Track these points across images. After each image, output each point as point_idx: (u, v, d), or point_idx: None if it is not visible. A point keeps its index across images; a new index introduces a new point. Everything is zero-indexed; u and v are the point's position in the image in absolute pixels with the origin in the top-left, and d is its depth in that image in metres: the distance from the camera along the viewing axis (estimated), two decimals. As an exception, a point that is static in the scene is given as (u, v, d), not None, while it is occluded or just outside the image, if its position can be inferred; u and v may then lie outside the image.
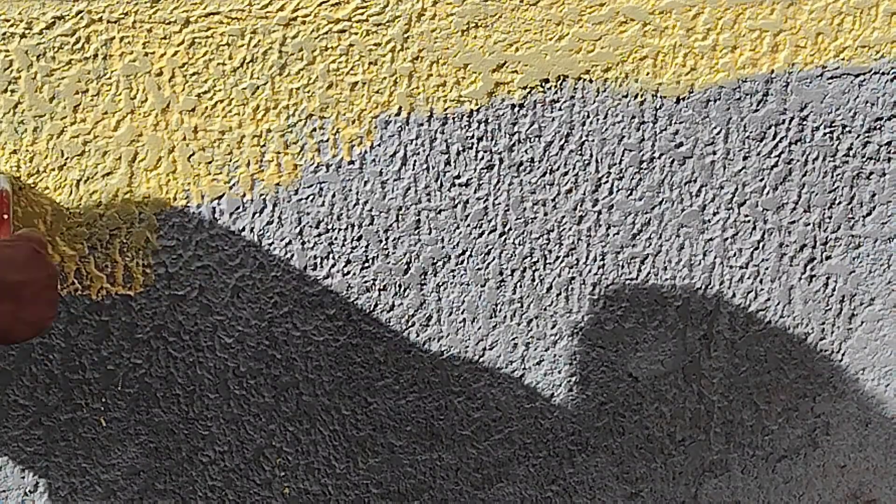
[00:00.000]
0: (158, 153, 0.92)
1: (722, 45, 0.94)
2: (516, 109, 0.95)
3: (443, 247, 0.99)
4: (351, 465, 1.08)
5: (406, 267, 1.00)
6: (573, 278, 1.03)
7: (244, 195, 0.95)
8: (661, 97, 0.96)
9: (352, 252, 0.98)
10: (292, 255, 0.98)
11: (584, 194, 0.99)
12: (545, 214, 0.99)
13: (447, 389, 1.06)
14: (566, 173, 0.98)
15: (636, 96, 0.96)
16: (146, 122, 0.91)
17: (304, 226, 0.97)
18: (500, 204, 0.98)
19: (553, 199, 0.99)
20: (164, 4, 0.87)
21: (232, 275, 0.97)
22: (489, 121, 0.95)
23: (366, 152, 0.95)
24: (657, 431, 1.12)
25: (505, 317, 1.03)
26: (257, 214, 0.95)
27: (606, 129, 0.97)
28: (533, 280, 1.02)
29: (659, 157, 0.98)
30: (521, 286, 1.02)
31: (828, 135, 0.99)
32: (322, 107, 0.92)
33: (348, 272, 0.99)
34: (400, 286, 1.00)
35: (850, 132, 1.00)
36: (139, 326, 0.98)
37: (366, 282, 1.00)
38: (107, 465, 1.04)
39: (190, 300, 0.98)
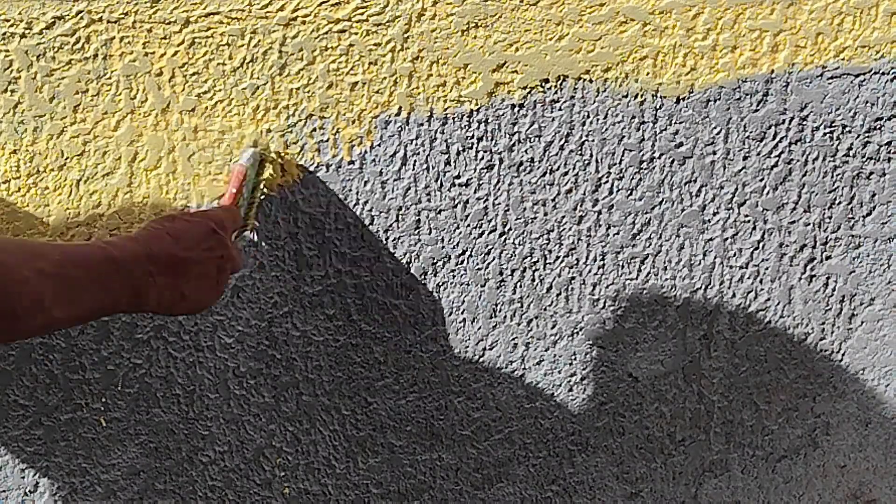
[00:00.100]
0: (158, 153, 0.92)
1: (722, 45, 0.94)
2: (516, 109, 0.95)
3: (443, 247, 0.99)
4: (351, 465, 1.08)
5: (406, 267, 1.00)
6: (573, 278, 1.03)
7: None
8: (661, 97, 0.96)
9: (352, 252, 0.98)
10: (292, 255, 0.98)
11: (584, 194, 0.99)
12: (545, 214, 0.99)
13: (447, 389, 1.06)
14: (566, 173, 0.98)
15: (636, 96, 0.96)
16: (146, 122, 0.91)
17: (304, 226, 0.97)
18: (500, 204, 0.98)
19: (553, 199, 0.99)
20: (164, 4, 0.87)
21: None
22: (489, 121, 0.95)
23: (366, 152, 0.95)
24: (657, 431, 1.12)
25: (505, 317, 1.03)
26: (257, 214, 0.95)
27: (606, 129, 0.97)
28: (533, 280, 1.02)
29: (659, 157, 0.98)
30: (521, 286, 1.02)
31: (828, 135, 0.99)
32: (322, 107, 0.92)
33: (348, 272, 0.99)
34: (400, 286, 1.00)
35: (850, 132, 1.00)
36: (139, 326, 0.98)
37: (366, 282, 1.00)
38: (107, 465, 1.04)
39: (190, 300, 0.98)
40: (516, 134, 0.96)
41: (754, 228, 1.03)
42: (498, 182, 0.97)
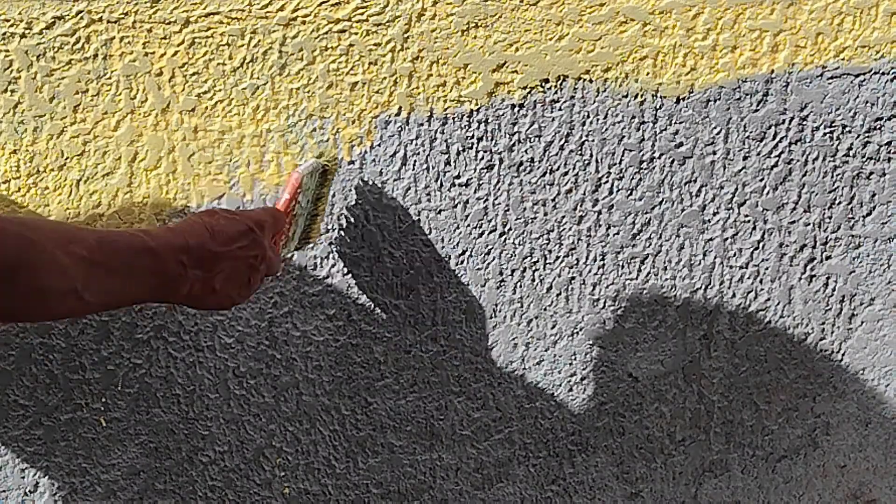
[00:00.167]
0: (158, 153, 0.92)
1: (722, 45, 0.94)
2: (516, 109, 0.95)
3: (443, 247, 0.99)
4: (351, 465, 1.08)
5: (406, 267, 1.00)
6: (573, 278, 1.02)
7: (244, 195, 0.95)
8: (661, 97, 0.96)
9: (352, 252, 0.98)
10: (292, 255, 0.98)
11: (584, 194, 0.99)
12: (545, 214, 0.99)
13: (447, 389, 1.06)
14: (566, 173, 0.98)
15: (636, 96, 0.96)
16: (146, 122, 0.91)
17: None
18: (500, 204, 0.98)
19: (553, 199, 0.99)
20: (164, 4, 0.87)
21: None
22: (489, 121, 0.95)
23: (366, 152, 0.95)
24: (657, 431, 1.12)
25: (505, 317, 1.03)
26: (257, 214, 0.95)
27: (606, 129, 0.97)
28: (533, 280, 1.02)
29: (659, 157, 0.98)
30: (521, 286, 1.02)
31: (828, 135, 0.99)
32: (322, 107, 0.92)
33: (348, 272, 0.99)
34: (400, 286, 1.00)
35: (850, 132, 1.00)
36: (139, 326, 0.98)
37: (366, 282, 1.00)
38: (107, 465, 1.04)
39: (190, 300, 0.98)
40: (516, 134, 0.96)
41: (754, 228, 1.03)
42: (498, 182, 0.97)
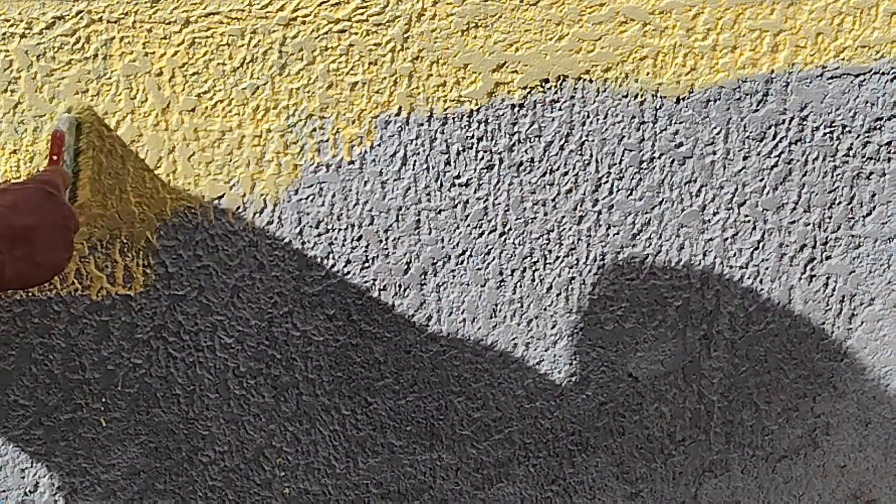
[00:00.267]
0: (158, 153, 0.92)
1: (722, 45, 0.94)
2: (516, 109, 0.95)
3: (443, 247, 0.99)
4: (351, 465, 1.08)
5: (406, 267, 1.00)
6: (573, 278, 1.02)
7: (244, 195, 0.95)
8: (661, 97, 0.96)
9: (352, 252, 0.98)
10: (292, 255, 0.98)
11: (584, 194, 0.99)
12: (545, 214, 0.99)
13: (447, 389, 1.06)
14: (566, 173, 0.98)
15: (636, 96, 0.96)
16: (146, 122, 0.91)
17: (304, 226, 0.97)
18: (500, 204, 0.98)
19: (553, 199, 0.99)
20: (164, 4, 0.87)
21: (232, 275, 0.97)
22: (489, 121, 0.95)
23: (366, 152, 0.94)
24: (657, 431, 1.12)
25: (505, 317, 1.03)
26: (257, 214, 0.95)
27: (606, 129, 0.97)
28: (533, 280, 1.02)
29: (659, 157, 0.98)
30: (521, 286, 1.02)
31: (828, 135, 0.99)
32: (322, 107, 0.92)
33: (348, 272, 0.99)
34: (400, 286, 1.00)
35: (850, 132, 1.00)
36: (139, 326, 0.98)
37: (366, 282, 1.00)
38: (107, 465, 1.04)
39: (190, 300, 0.98)
40: (516, 134, 0.96)
41: (754, 228, 1.03)
42: (498, 182, 0.97)
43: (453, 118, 0.94)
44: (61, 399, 1.00)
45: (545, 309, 1.04)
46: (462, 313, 1.03)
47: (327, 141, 0.94)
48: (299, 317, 1.00)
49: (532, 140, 0.96)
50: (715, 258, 1.04)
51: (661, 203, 1.00)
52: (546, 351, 1.06)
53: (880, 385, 1.14)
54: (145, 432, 1.03)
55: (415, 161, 0.95)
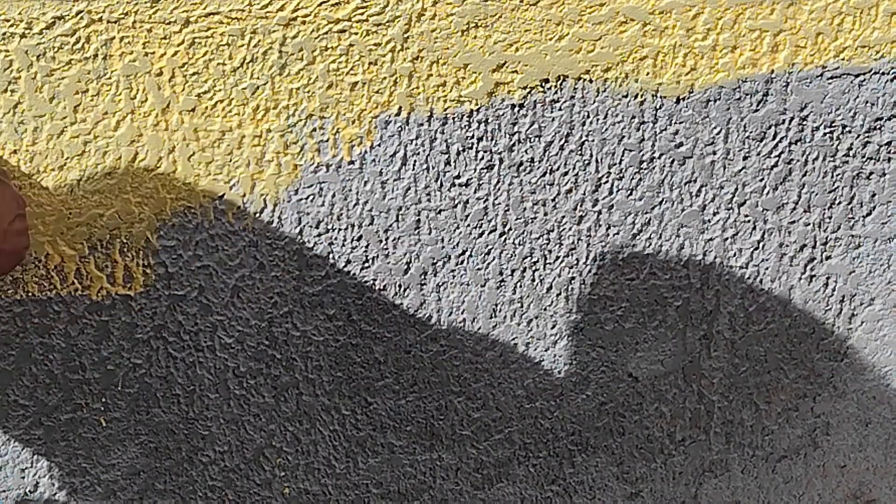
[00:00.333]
0: (158, 153, 0.92)
1: (722, 45, 0.94)
2: (516, 109, 0.95)
3: (443, 247, 0.99)
4: (351, 465, 1.08)
5: (406, 267, 1.00)
6: (573, 278, 1.02)
7: (244, 195, 0.95)
8: (661, 97, 0.96)
9: (352, 252, 0.98)
10: (292, 255, 0.98)
11: (584, 194, 0.99)
12: (545, 214, 0.99)
13: (447, 389, 1.06)
14: (566, 173, 0.98)
15: (636, 96, 0.96)
16: (146, 122, 0.91)
17: (304, 226, 0.97)
18: (500, 204, 0.98)
19: (553, 199, 0.99)
20: (164, 4, 0.87)
21: (232, 275, 0.98)
22: (489, 121, 0.95)
23: (366, 152, 0.94)
24: (657, 431, 1.12)
25: (505, 317, 1.03)
26: (257, 214, 0.95)
27: (606, 129, 0.97)
28: (533, 280, 1.02)
29: (659, 157, 0.98)
30: (521, 286, 1.02)
31: (828, 135, 0.99)
32: (322, 107, 0.92)
33: (348, 272, 0.99)
34: (400, 286, 1.00)
35: (850, 132, 1.00)
36: (139, 326, 0.98)
37: (366, 282, 1.00)
38: (107, 465, 1.04)
39: (190, 300, 0.98)
40: (516, 134, 0.96)
41: (754, 228, 1.03)
42: (498, 182, 0.97)
43: (453, 118, 0.94)
44: (61, 399, 1.00)
45: (545, 309, 1.04)
46: (462, 313, 1.03)
47: (327, 141, 0.94)
48: (299, 317, 1.00)
49: (532, 140, 0.96)
50: (715, 258, 1.04)
51: (661, 203, 1.00)
52: (546, 351, 1.06)
53: (880, 385, 1.14)
54: (145, 432, 1.03)
55: (415, 161, 0.95)
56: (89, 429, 1.02)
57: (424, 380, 1.05)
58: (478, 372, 1.06)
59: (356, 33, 0.90)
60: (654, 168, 0.99)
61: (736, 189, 1.01)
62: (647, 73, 0.95)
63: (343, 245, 0.98)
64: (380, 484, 1.10)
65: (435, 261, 1.00)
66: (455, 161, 0.96)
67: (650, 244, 1.02)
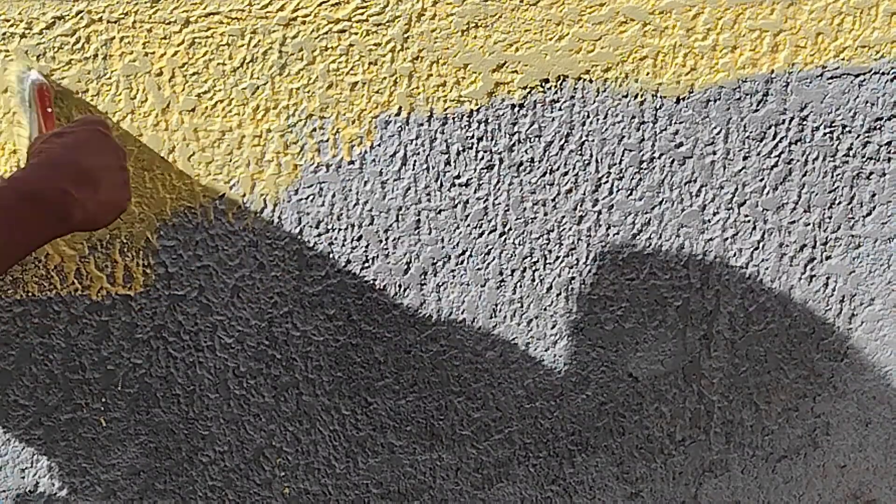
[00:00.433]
0: (158, 153, 0.92)
1: (722, 45, 0.94)
2: (516, 109, 0.95)
3: (443, 247, 0.99)
4: (351, 465, 1.08)
5: (406, 267, 1.00)
6: (573, 278, 1.02)
7: (244, 195, 0.95)
8: (661, 97, 0.96)
9: (352, 252, 0.98)
10: (292, 255, 0.98)
11: (584, 194, 0.99)
12: (545, 214, 0.99)
13: (447, 389, 1.06)
14: (566, 173, 0.98)
15: (636, 96, 0.96)
16: (146, 122, 0.91)
17: (304, 226, 0.97)
18: (500, 204, 0.98)
19: (553, 199, 0.99)
20: (164, 4, 0.87)
21: (232, 275, 0.98)
22: (489, 121, 0.95)
23: (366, 152, 0.94)
24: (657, 431, 1.12)
25: (505, 317, 1.03)
26: (257, 214, 0.95)
27: (606, 129, 0.97)
28: (533, 280, 1.02)
29: (659, 157, 0.98)
30: (521, 286, 1.02)
31: (828, 135, 0.99)
32: (322, 107, 0.92)
33: (348, 272, 0.99)
34: (400, 286, 1.00)
35: (850, 132, 1.00)
36: (139, 326, 0.98)
37: (366, 282, 1.00)
38: (107, 465, 1.04)
39: (190, 300, 0.98)
40: (516, 134, 0.96)
41: (754, 228, 1.03)
42: (498, 182, 0.97)
43: (453, 118, 0.94)
44: (61, 399, 1.00)
45: (545, 309, 1.04)
46: (462, 313, 1.03)
47: (327, 141, 0.94)
48: (299, 317, 1.00)
49: (532, 140, 0.96)
50: (715, 258, 1.04)
51: (661, 203, 1.00)
52: (546, 351, 1.06)
53: (880, 385, 1.14)
54: (145, 432, 1.03)
55: (415, 161, 0.95)
56: (89, 429, 1.02)
57: (424, 380, 1.05)
58: (478, 372, 1.06)
59: (356, 33, 0.90)
60: (654, 168, 0.99)
61: (736, 189, 1.01)
62: (647, 73, 0.95)
63: (343, 245, 0.98)
64: (380, 484, 1.10)
65: (435, 261, 1.00)
66: (455, 161, 0.96)
67: (650, 244, 1.02)
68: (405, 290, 1.01)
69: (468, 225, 0.99)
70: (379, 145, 0.94)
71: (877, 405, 1.15)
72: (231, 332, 1.00)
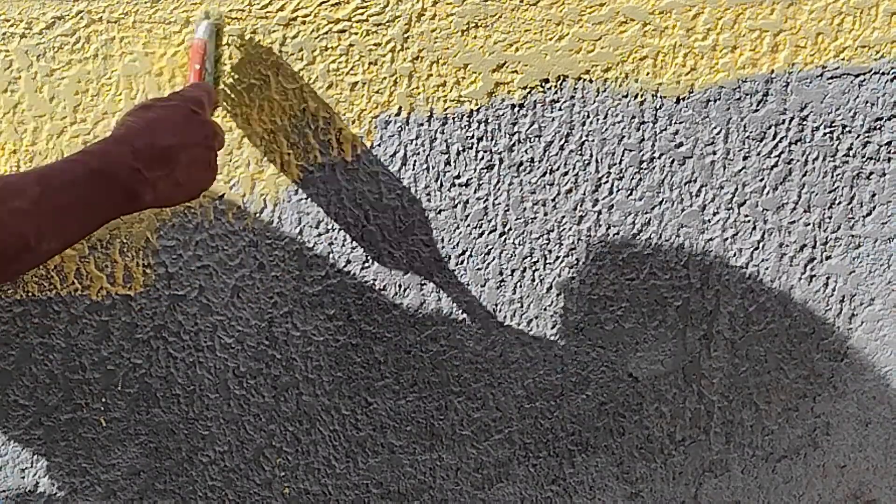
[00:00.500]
0: (158, 153, 0.92)
1: (722, 45, 0.94)
2: (516, 109, 0.95)
3: (443, 247, 0.99)
4: (351, 465, 1.08)
5: (406, 267, 1.00)
6: (573, 278, 1.02)
7: (244, 195, 0.95)
8: (661, 97, 0.96)
9: (352, 252, 0.98)
10: (292, 255, 0.98)
11: (584, 194, 0.99)
12: (545, 214, 0.99)
13: (447, 389, 1.06)
14: (566, 173, 0.98)
15: (636, 96, 0.96)
16: (146, 122, 0.91)
17: (304, 226, 0.97)
18: (500, 204, 0.98)
19: (553, 199, 0.99)
20: (164, 4, 0.87)
21: (232, 275, 0.98)
22: (489, 121, 0.95)
23: (366, 152, 0.95)
24: (657, 431, 1.12)
25: (505, 317, 1.03)
26: (257, 214, 0.95)
27: (606, 129, 0.97)
28: (533, 280, 1.02)
29: (659, 157, 0.98)
30: (521, 286, 1.02)
31: (828, 135, 0.99)
32: (322, 107, 0.92)
33: (348, 272, 0.99)
34: (400, 286, 1.00)
35: (850, 132, 1.00)
36: (139, 326, 0.98)
37: (366, 282, 1.00)
38: (107, 465, 1.04)
39: (190, 300, 0.98)
40: (516, 134, 0.96)
41: (754, 228, 1.03)
42: (498, 182, 0.97)
43: (453, 118, 0.94)
44: (61, 399, 1.00)
45: (545, 309, 1.04)
46: (462, 313, 1.03)
47: (327, 141, 0.94)
48: (299, 317, 1.00)
49: (532, 140, 0.96)
50: (715, 258, 1.04)
51: (661, 203, 1.00)
52: (546, 351, 1.06)
53: (880, 385, 1.14)
54: (145, 432, 1.03)
55: (415, 161, 0.95)
56: (89, 429, 1.02)
57: (424, 380, 1.05)
58: (478, 372, 1.06)
59: (356, 33, 0.90)
60: (654, 168, 0.99)
61: (736, 189, 1.01)
62: (647, 73, 0.95)
63: (343, 245, 0.98)
64: (380, 484, 1.10)
65: (435, 261, 1.00)
66: (455, 161, 0.96)
67: (650, 244, 1.02)
68: (405, 290, 1.01)
69: (468, 225, 0.99)
70: (379, 145, 0.94)
71: (877, 405, 1.15)
72: (231, 332, 1.00)
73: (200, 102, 0.76)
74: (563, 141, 0.97)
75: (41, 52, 0.87)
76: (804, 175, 1.01)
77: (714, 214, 1.02)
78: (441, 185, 0.97)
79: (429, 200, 0.97)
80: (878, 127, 1.00)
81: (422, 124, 0.94)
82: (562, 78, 0.94)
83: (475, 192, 0.97)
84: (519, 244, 1.00)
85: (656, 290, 1.04)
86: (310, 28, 0.89)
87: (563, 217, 1.00)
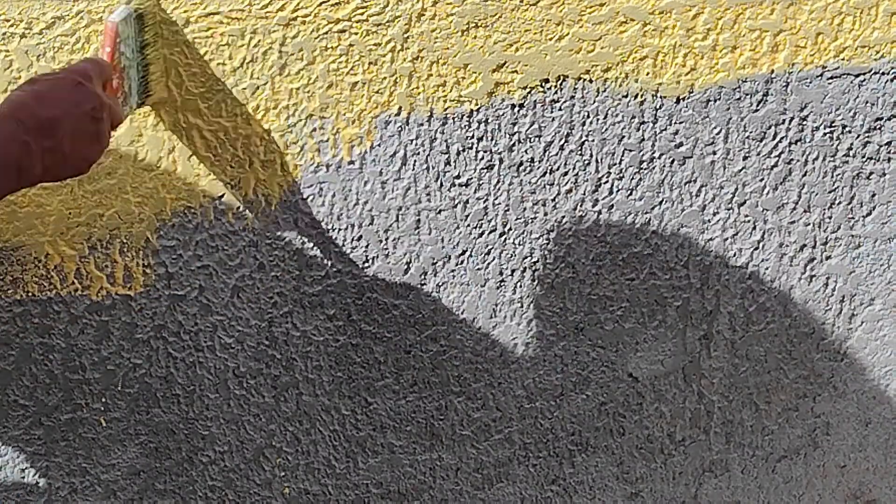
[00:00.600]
0: (158, 153, 0.92)
1: (722, 45, 0.94)
2: (516, 109, 0.95)
3: (443, 247, 0.99)
4: (351, 465, 1.08)
5: (406, 267, 1.00)
6: (573, 278, 1.03)
7: (244, 195, 0.95)
8: (661, 97, 0.96)
9: (352, 252, 0.98)
10: (292, 255, 0.98)
11: (584, 194, 0.99)
12: (545, 214, 0.99)
13: (447, 389, 1.06)
14: (566, 173, 0.98)
15: (636, 96, 0.96)
16: (146, 122, 0.91)
17: (304, 226, 0.97)
18: (500, 204, 0.98)
19: (553, 199, 0.99)
20: (164, 4, 0.87)
21: (232, 275, 0.98)
22: (489, 121, 0.95)
23: (366, 152, 0.95)
24: (657, 431, 1.12)
25: (505, 317, 1.03)
26: (257, 214, 0.95)
27: (606, 129, 0.97)
28: (533, 280, 1.02)
29: (659, 157, 0.98)
30: (521, 286, 1.02)
31: (828, 135, 0.99)
32: (322, 107, 0.92)
33: (348, 272, 0.99)
34: (400, 286, 1.00)
35: (850, 132, 1.00)
36: (139, 326, 0.98)
37: (366, 282, 1.00)
38: (107, 465, 1.04)
39: (190, 300, 0.98)
40: (516, 134, 0.96)
41: (754, 228, 1.03)
42: (498, 182, 0.97)
43: (453, 118, 0.94)
44: (61, 399, 1.00)
45: (545, 309, 1.04)
46: (462, 313, 1.03)
47: (327, 141, 0.94)
48: (299, 317, 1.00)
49: (532, 140, 0.96)
50: (715, 258, 1.04)
51: (661, 203, 1.00)
52: (546, 351, 1.06)
53: (880, 385, 1.14)
54: (145, 432, 1.03)
55: (415, 161, 0.95)
56: (89, 429, 1.02)
57: (424, 380, 1.05)
58: (478, 372, 1.06)
59: (356, 33, 0.90)
60: (654, 168, 0.99)
61: (736, 189, 1.01)
62: (647, 73, 0.95)
63: (343, 245, 0.98)
64: (380, 484, 1.10)
65: (435, 261, 1.00)
66: (455, 161, 0.96)
67: (650, 244, 1.02)
68: (405, 290, 1.01)
69: (468, 225, 0.99)
70: (379, 145, 0.94)
71: (877, 405, 1.15)
72: (231, 332, 1.00)
73: (87, 74, 0.75)
74: (563, 141, 0.97)
75: (41, 52, 0.87)
76: (804, 175, 1.01)
77: (714, 214, 1.02)
78: (441, 185, 0.97)
79: (429, 200, 0.97)
80: (878, 127, 1.00)
81: (422, 124, 0.94)
82: (562, 78, 0.94)
83: (475, 192, 0.98)
84: (519, 244, 1.00)
85: (656, 290, 1.04)
86: (310, 28, 0.89)
87: (563, 217, 1.00)
